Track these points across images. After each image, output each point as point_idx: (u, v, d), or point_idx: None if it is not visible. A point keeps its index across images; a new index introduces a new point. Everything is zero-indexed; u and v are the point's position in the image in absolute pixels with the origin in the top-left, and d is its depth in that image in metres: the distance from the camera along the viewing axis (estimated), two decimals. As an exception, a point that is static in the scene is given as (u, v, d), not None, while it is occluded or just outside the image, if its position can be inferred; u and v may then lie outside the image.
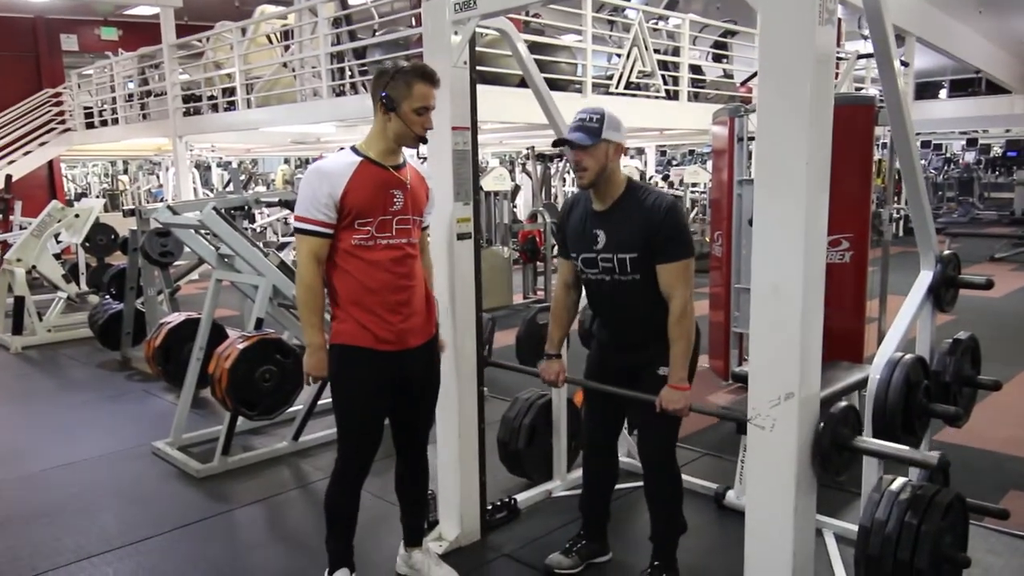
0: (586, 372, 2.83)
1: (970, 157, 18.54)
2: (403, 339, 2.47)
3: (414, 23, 7.20)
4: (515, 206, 10.88)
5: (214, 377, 3.73)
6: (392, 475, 2.76)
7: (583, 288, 2.71)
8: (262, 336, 3.84)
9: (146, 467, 4.01)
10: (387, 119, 2.40)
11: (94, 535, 3.24)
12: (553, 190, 12.09)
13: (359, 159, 2.41)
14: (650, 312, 2.48)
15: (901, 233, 11.95)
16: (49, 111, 12.74)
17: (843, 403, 2.11)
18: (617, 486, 2.90)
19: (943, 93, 17.72)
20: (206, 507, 3.51)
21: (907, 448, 2.07)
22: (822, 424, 2.05)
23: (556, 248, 2.76)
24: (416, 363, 2.54)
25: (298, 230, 2.39)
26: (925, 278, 2.66)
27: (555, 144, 3.00)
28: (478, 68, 2.89)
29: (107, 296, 6.60)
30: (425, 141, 2.49)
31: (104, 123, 12.29)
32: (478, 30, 2.83)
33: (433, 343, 2.62)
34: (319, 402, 4.10)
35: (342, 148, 2.53)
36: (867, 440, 2.11)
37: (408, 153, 2.58)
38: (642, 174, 10.83)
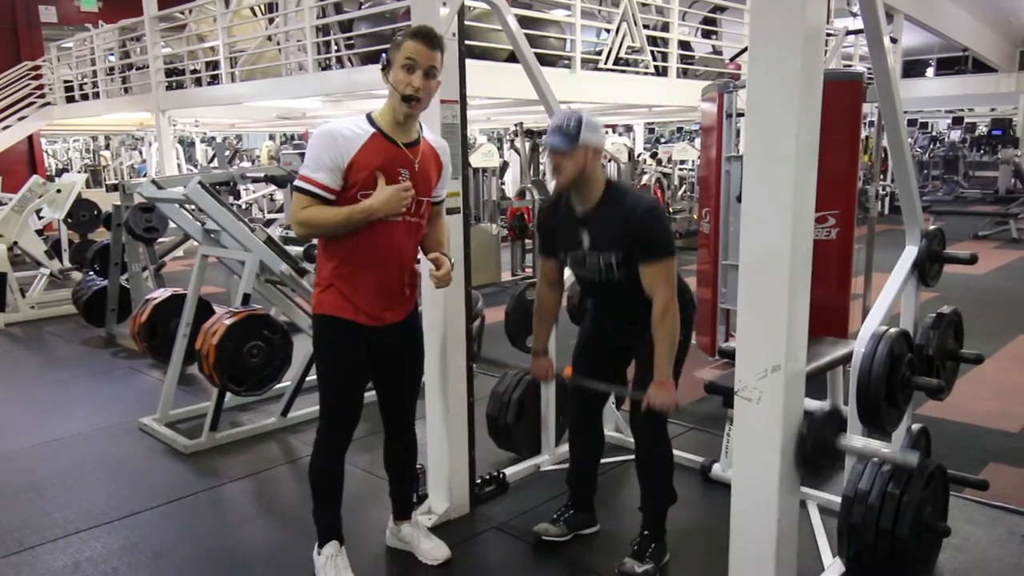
0: (576, 347, 2.85)
1: (955, 136, 18.62)
2: (381, 316, 2.47)
3: (401, -5, 7.09)
4: (503, 183, 10.83)
5: (201, 353, 3.71)
6: (381, 450, 2.77)
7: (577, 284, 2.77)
8: (250, 312, 3.82)
9: (133, 443, 4.00)
10: (388, 84, 2.34)
11: (83, 510, 3.24)
12: (541, 167, 12.04)
13: (372, 130, 2.34)
14: (640, 307, 2.51)
15: (887, 211, 12.02)
16: (28, 84, 12.49)
17: (827, 406, 2.15)
18: (607, 459, 2.93)
19: (930, 71, 17.74)
20: (194, 482, 3.51)
21: (886, 447, 2.15)
22: (806, 426, 2.08)
23: (537, 247, 2.77)
24: (396, 338, 2.53)
25: (297, 188, 2.30)
26: (910, 253, 2.68)
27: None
28: (466, 43, 2.86)
29: (91, 272, 6.55)
30: (411, 102, 2.32)
31: (85, 97, 12.07)
32: (467, 2, 2.79)
33: (413, 317, 2.61)
34: (307, 378, 4.10)
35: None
36: (852, 437, 2.17)
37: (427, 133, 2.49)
38: (630, 152, 10.79)
